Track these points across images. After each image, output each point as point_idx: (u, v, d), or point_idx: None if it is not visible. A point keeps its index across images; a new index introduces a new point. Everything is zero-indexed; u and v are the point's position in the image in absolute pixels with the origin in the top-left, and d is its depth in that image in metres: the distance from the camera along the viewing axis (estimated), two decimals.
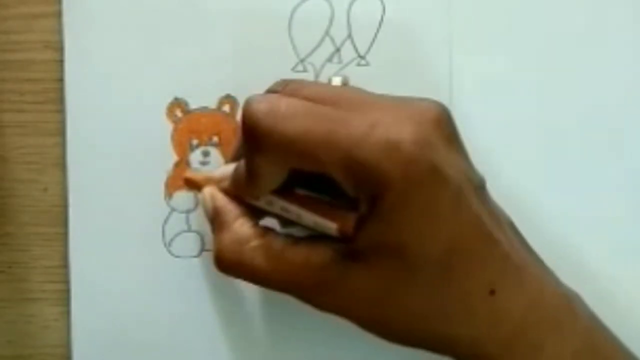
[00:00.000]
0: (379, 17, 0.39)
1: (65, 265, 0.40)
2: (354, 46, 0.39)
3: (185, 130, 0.40)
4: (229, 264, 0.35)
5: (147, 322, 0.40)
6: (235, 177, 0.35)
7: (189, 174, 0.38)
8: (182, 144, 0.40)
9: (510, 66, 0.40)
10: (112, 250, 0.40)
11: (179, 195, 0.40)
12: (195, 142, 0.40)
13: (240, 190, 0.35)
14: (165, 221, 0.40)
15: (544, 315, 0.33)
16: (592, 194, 0.40)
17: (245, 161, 0.34)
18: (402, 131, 0.31)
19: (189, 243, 0.40)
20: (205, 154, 0.40)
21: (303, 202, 0.34)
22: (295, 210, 0.34)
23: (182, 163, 0.40)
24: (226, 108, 0.39)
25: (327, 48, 0.39)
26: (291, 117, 0.32)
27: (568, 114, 0.40)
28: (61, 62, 0.39)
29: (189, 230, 0.40)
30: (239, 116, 0.39)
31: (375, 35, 0.39)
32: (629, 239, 0.40)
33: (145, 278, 0.40)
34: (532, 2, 0.39)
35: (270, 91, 0.35)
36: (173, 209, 0.40)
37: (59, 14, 0.39)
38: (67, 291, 0.40)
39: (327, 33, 0.39)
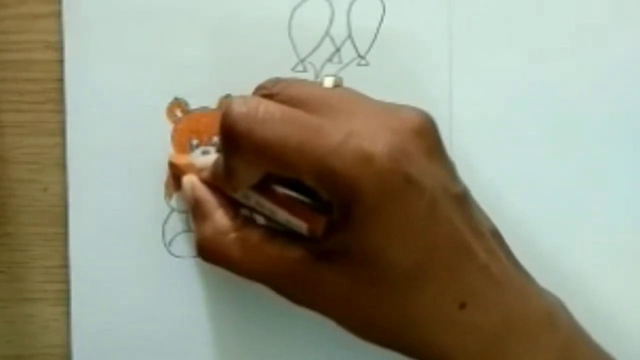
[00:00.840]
0: (379, 17, 0.39)
1: (65, 265, 0.40)
2: (354, 46, 0.39)
3: (185, 130, 0.40)
4: (209, 253, 0.36)
5: (147, 322, 0.40)
6: (214, 169, 0.37)
7: (172, 158, 0.39)
8: (182, 144, 0.40)
9: (511, 66, 0.40)
10: (112, 250, 0.40)
11: (179, 195, 0.40)
12: (195, 142, 0.40)
13: (219, 183, 0.36)
14: (165, 221, 0.40)
15: (519, 329, 0.33)
16: (593, 195, 0.40)
17: (223, 159, 0.35)
18: (377, 142, 0.31)
19: (189, 243, 0.40)
20: (205, 154, 0.39)
21: (277, 200, 0.35)
22: (268, 207, 0.35)
23: None
24: None
25: (327, 48, 0.39)
26: (268, 122, 0.32)
27: (568, 114, 0.40)
28: (61, 62, 0.39)
29: (189, 230, 0.40)
30: None
31: (375, 35, 0.39)
32: (622, 246, 0.40)
33: (145, 278, 0.40)
34: (532, 2, 0.39)
35: (259, 88, 0.36)
36: (173, 209, 0.40)
37: (59, 14, 0.39)
38: (67, 291, 0.40)
39: (327, 33, 0.39)
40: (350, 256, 0.33)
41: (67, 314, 0.40)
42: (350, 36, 0.39)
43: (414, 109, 0.34)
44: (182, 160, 0.39)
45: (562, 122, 0.40)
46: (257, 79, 0.39)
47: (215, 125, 0.39)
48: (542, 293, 0.35)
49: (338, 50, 0.39)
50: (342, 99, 0.34)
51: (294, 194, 0.35)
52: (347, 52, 0.39)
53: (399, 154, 0.31)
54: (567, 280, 0.38)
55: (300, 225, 0.34)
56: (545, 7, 0.39)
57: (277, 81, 0.35)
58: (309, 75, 0.39)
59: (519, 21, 0.39)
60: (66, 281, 0.40)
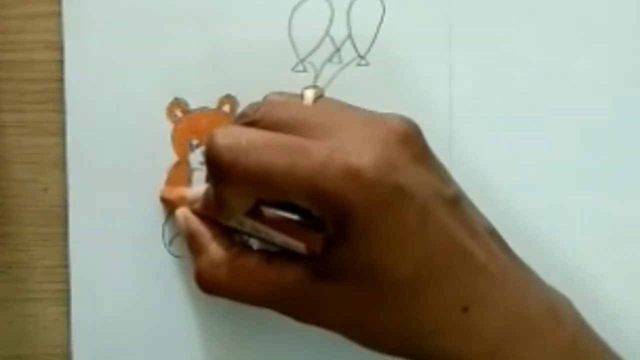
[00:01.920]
0: (379, 17, 0.39)
1: (65, 265, 0.40)
2: (354, 46, 0.39)
3: (185, 130, 0.40)
4: (208, 286, 0.36)
5: (147, 322, 0.40)
6: (205, 200, 0.37)
7: (163, 193, 0.39)
8: (182, 144, 0.40)
9: (511, 66, 0.40)
10: (112, 250, 0.40)
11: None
12: (195, 142, 0.40)
13: (211, 213, 0.36)
14: (165, 221, 0.40)
15: (524, 328, 0.33)
16: (597, 193, 0.40)
17: (213, 188, 0.35)
18: (362, 156, 0.31)
19: None
20: None
21: (272, 223, 0.35)
22: (264, 230, 0.35)
23: (182, 163, 0.40)
24: (226, 108, 0.39)
25: (327, 48, 0.39)
26: (252, 150, 0.32)
27: (569, 113, 0.40)
28: (61, 62, 0.39)
29: None
30: None
31: (375, 35, 0.39)
32: (626, 244, 0.40)
33: (145, 278, 0.40)
34: (532, 2, 0.39)
35: (241, 116, 0.36)
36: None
37: (59, 14, 0.39)
38: (67, 291, 0.40)
39: (327, 33, 0.39)
40: (349, 271, 0.33)
41: (67, 314, 0.40)
42: (350, 36, 0.39)
43: (397, 117, 0.33)
44: (173, 194, 0.39)
45: (563, 122, 0.40)
46: (257, 79, 0.39)
47: (215, 125, 0.39)
48: (546, 290, 0.35)
49: (338, 50, 0.39)
50: (324, 115, 0.34)
51: (288, 214, 0.35)
52: (347, 52, 0.39)
53: (386, 165, 0.31)
54: (569, 279, 0.37)
55: (298, 245, 0.34)
56: (545, 7, 0.39)
57: (257, 107, 0.35)
58: (309, 75, 0.39)
59: (519, 21, 0.39)
60: (66, 281, 0.40)
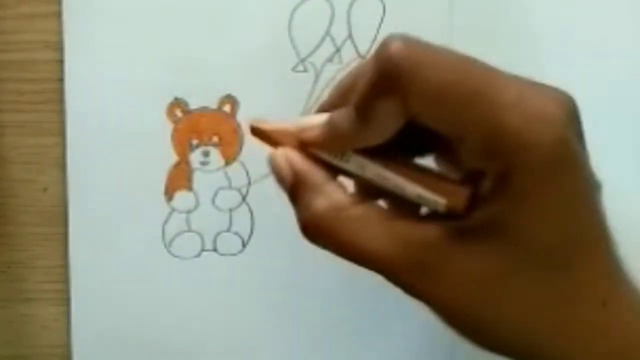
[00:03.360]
0: (379, 17, 0.39)
1: (65, 265, 0.40)
2: (354, 46, 0.39)
3: (185, 130, 0.40)
4: (321, 231, 0.30)
5: (147, 322, 0.40)
6: (332, 124, 0.30)
7: (255, 122, 0.31)
8: (182, 144, 0.40)
9: (511, 66, 0.40)
10: (112, 250, 0.40)
11: (179, 195, 0.40)
12: (195, 142, 0.40)
13: (338, 140, 0.30)
14: (165, 221, 0.40)
15: None
16: None
17: (364, 103, 0.29)
18: (554, 109, 0.28)
19: (189, 243, 0.40)
20: (205, 154, 0.40)
21: (404, 170, 0.30)
22: (393, 179, 0.30)
23: (182, 163, 0.40)
24: (226, 108, 0.39)
25: (328, 48, 0.39)
26: (440, 63, 0.28)
27: None
28: (61, 62, 0.39)
29: (189, 230, 0.40)
30: (239, 116, 0.39)
31: (376, 35, 0.39)
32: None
33: (145, 278, 0.40)
34: (532, 2, 0.39)
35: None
36: (173, 209, 0.40)
37: (59, 14, 0.39)
38: (67, 291, 0.40)
39: (327, 33, 0.39)
40: (494, 233, 0.28)
41: (67, 314, 0.40)
42: (350, 36, 0.39)
43: (563, 91, 0.30)
44: (272, 125, 0.31)
45: None
46: (257, 79, 0.39)
47: (216, 125, 0.39)
48: None
49: (338, 50, 0.39)
50: (492, 68, 0.29)
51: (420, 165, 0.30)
52: (347, 52, 0.39)
53: (572, 124, 0.28)
54: None
55: (436, 200, 0.29)
56: (545, 8, 0.39)
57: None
58: (309, 75, 0.39)
59: (519, 22, 0.39)
60: (66, 281, 0.40)
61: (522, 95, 0.28)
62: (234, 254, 0.40)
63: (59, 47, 0.39)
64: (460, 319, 0.30)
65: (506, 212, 0.28)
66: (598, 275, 0.29)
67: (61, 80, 0.39)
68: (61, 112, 0.39)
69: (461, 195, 0.29)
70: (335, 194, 0.30)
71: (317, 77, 0.39)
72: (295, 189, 0.31)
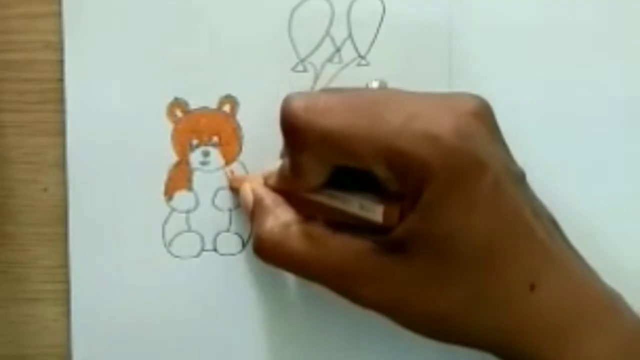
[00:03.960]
0: (379, 17, 0.39)
1: (65, 265, 0.40)
2: (354, 46, 0.39)
3: (185, 130, 0.40)
4: (270, 248, 0.35)
5: (147, 322, 0.40)
6: (281, 173, 0.36)
7: (232, 183, 0.39)
8: (182, 144, 0.40)
9: (511, 67, 0.40)
10: (112, 251, 0.40)
11: (179, 195, 0.40)
12: (195, 142, 0.40)
13: (287, 186, 0.36)
14: (165, 221, 0.40)
15: (587, 313, 0.33)
16: (600, 192, 0.40)
17: (289, 157, 0.34)
18: (441, 122, 0.31)
19: (189, 243, 0.40)
20: (205, 154, 0.40)
21: (348, 192, 0.34)
22: (341, 196, 0.34)
23: (182, 163, 0.40)
24: (226, 108, 0.39)
25: (328, 48, 0.39)
26: (330, 112, 0.32)
27: (572, 114, 0.40)
28: (61, 62, 0.39)
29: (189, 230, 0.40)
30: (239, 116, 0.39)
31: (376, 35, 0.39)
32: None
33: (145, 278, 0.40)
34: (532, 2, 0.39)
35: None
36: (173, 209, 0.40)
37: (59, 14, 0.39)
38: (67, 291, 0.40)
39: (327, 33, 0.39)
40: (420, 243, 0.32)
41: (67, 314, 0.40)
42: (350, 36, 0.39)
43: (468, 94, 0.33)
44: (241, 177, 0.39)
45: (565, 122, 0.40)
46: (257, 79, 0.39)
47: (216, 126, 0.39)
48: (603, 283, 0.34)
49: (338, 50, 0.39)
50: (396, 92, 0.34)
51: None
52: (347, 52, 0.39)
53: (464, 134, 0.31)
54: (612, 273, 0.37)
55: (375, 209, 0.33)
56: (545, 8, 0.39)
57: (325, 91, 0.35)
58: (309, 76, 0.39)
59: (520, 22, 0.39)
60: (66, 281, 0.40)
61: (411, 118, 0.31)
62: (233, 254, 0.40)
63: (59, 47, 0.39)
64: (404, 319, 0.34)
65: (423, 224, 0.31)
66: (523, 262, 0.32)
67: (61, 80, 0.39)
68: (61, 112, 0.39)
69: (394, 210, 0.32)
70: (283, 214, 0.35)
71: (317, 77, 0.39)
72: (254, 210, 0.36)
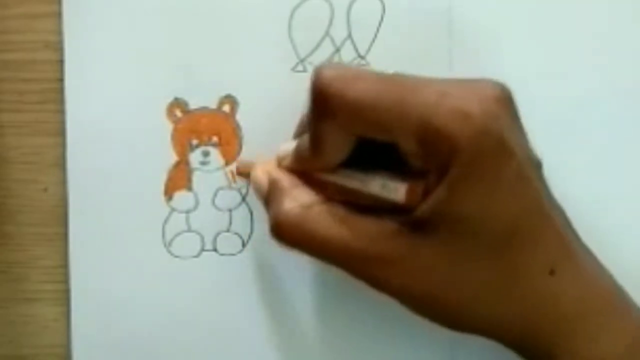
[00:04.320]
0: (379, 17, 0.39)
1: (65, 265, 0.40)
2: (354, 46, 0.39)
3: (185, 130, 0.40)
4: (289, 230, 0.33)
5: (147, 322, 0.40)
6: (298, 152, 0.35)
7: (240, 168, 0.38)
8: (182, 144, 0.40)
9: (511, 67, 0.40)
10: (112, 250, 0.40)
11: (179, 195, 0.40)
12: (195, 142, 0.40)
13: (304, 165, 0.35)
14: (165, 221, 0.40)
15: (598, 307, 0.33)
16: (600, 191, 0.40)
17: (312, 130, 0.33)
18: (471, 102, 0.31)
19: (189, 243, 0.40)
20: (205, 154, 0.40)
21: (367, 171, 0.33)
22: (360, 177, 0.33)
23: (182, 163, 0.40)
24: (226, 108, 0.39)
25: (327, 48, 0.39)
26: (363, 81, 0.32)
27: (569, 112, 0.40)
28: (61, 62, 0.39)
29: (189, 230, 0.40)
30: (239, 116, 0.39)
31: (375, 35, 0.39)
32: None
33: (145, 278, 0.40)
34: (532, 2, 0.39)
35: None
36: (173, 209, 0.40)
37: (59, 14, 0.39)
38: (67, 291, 0.40)
39: (327, 33, 0.39)
40: (443, 223, 0.31)
41: (67, 314, 0.40)
42: (350, 36, 0.39)
43: (490, 80, 0.33)
44: (249, 164, 0.38)
45: (566, 123, 0.40)
46: (257, 79, 0.39)
47: (216, 125, 0.39)
48: (612, 277, 0.34)
49: (338, 50, 0.39)
50: (419, 77, 0.33)
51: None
52: (347, 52, 0.39)
53: (493, 115, 0.31)
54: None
55: (397, 188, 0.32)
56: (545, 5, 0.39)
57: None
58: (309, 76, 0.39)
59: (520, 23, 0.39)
60: (66, 281, 0.40)
61: (443, 95, 0.31)
62: (233, 254, 0.40)
63: (59, 47, 0.39)
64: (424, 305, 0.33)
65: (447, 204, 0.31)
66: (543, 247, 0.32)
67: (61, 80, 0.39)
68: (61, 112, 0.39)
69: (417, 189, 0.32)
70: (302, 195, 0.34)
71: None
72: (269, 194, 0.35)
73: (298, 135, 0.37)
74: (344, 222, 0.33)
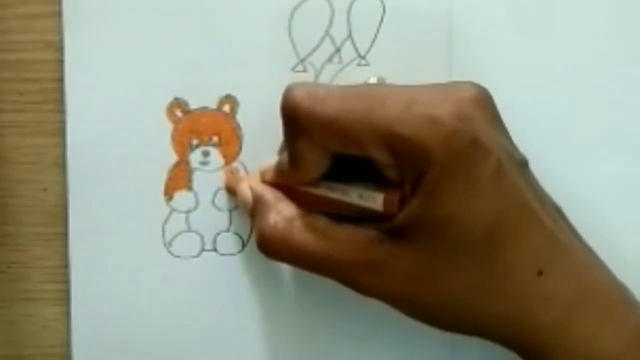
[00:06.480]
0: (379, 17, 0.39)
1: (65, 265, 0.40)
2: (354, 46, 0.39)
3: (185, 130, 0.40)
4: (275, 243, 0.35)
5: (147, 322, 0.40)
6: (278, 168, 0.36)
7: (228, 184, 0.39)
8: (182, 144, 0.40)
9: (511, 67, 0.40)
10: (112, 250, 0.40)
11: (179, 195, 0.40)
12: (195, 142, 0.40)
13: (286, 180, 0.36)
14: (165, 221, 0.40)
15: (594, 302, 0.32)
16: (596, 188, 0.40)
17: (288, 148, 0.34)
18: (441, 106, 0.31)
19: (189, 243, 0.40)
20: (205, 154, 0.40)
21: (347, 183, 0.34)
22: (341, 187, 0.34)
23: (182, 163, 0.40)
24: (226, 108, 0.39)
25: (327, 48, 0.39)
26: (331, 98, 0.32)
27: (572, 114, 0.40)
28: (61, 62, 0.39)
29: (189, 230, 0.40)
30: (239, 116, 0.39)
31: (375, 35, 0.39)
32: None
33: (145, 278, 0.40)
34: (532, 3, 0.39)
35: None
36: (173, 209, 0.40)
37: (59, 14, 0.39)
38: (67, 291, 0.40)
39: (327, 33, 0.39)
40: (423, 229, 0.32)
41: (67, 314, 0.40)
42: (350, 36, 0.39)
43: (469, 82, 0.33)
44: (236, 177, 0.39)
45: (566, 122, 0.40)
46: (257, 79, 0.39)
47: (216, 125, 0.39)
48: (611, 273, 0.34)
49: (338, 50, 0.39)
50: (393, 85, 0.34)
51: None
52: (347, 52, 0.39)
53: (464, 117, 0.31)
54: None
55: (375, 197, 0.33)
56: (546, 7, 0.39)
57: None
58: (309, 76, 0.39)
59: (520, 24, 0.39)
60: (66, 281, 0.40)
61: (410, 103, 0.31)
62: (233, 254, 0.40)
63: (59, 47, 0.39)
64: (411, 309, 0.34)
65: (425, 209, 0.31)
66: (529, 244, 0.32)
67: (61, 80, 0.39)
68: (61, 112, 0.39)
69: (394, 198, 0.33)
70: (286, 208, 0.35)
71: (317, 77, 0.39)
72: (255, 207, 0.36)
73: (281, 151, 0.37)
74: (326, 233, 0.34)
